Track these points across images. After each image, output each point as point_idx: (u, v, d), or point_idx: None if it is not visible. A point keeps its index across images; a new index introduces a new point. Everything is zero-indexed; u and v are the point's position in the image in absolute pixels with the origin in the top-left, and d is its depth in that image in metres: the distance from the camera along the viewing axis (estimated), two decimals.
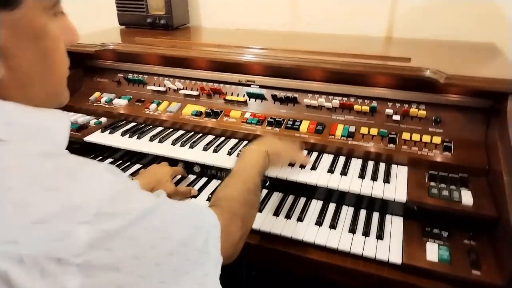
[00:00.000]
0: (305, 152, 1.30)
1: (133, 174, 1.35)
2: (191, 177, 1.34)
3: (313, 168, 1.21)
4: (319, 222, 1.10)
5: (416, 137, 1.24)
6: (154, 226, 0.54)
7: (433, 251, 0.97)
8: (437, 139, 1.22)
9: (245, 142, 1.38)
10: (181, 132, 1.47)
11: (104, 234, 0.47)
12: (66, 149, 1.44)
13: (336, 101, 1.36)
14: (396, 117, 1.30)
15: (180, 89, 1.58)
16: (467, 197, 1.04)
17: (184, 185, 1.29)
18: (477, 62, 1.40)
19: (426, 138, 1.23)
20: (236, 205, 0.83)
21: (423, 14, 1.69)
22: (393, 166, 1.22)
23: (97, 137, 1.44)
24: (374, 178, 1.16)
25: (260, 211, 1.14)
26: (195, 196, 1.22)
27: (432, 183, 1.12)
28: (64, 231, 0.44)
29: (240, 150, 1.31)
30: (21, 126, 0.51)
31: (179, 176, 1.32)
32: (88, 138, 1.44)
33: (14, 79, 0.51)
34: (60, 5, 0.57)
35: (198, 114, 1.49)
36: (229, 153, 1.31)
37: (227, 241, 0.72)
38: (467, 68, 1.29)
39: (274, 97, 1.45)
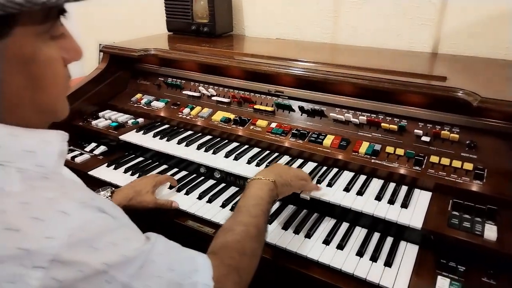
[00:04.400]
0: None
1: (160, 174, 1.41)
2: (211, 181, 1.37)
3: (329, 185, 1.18)
4: (327, 241, 1.07)
5: (445, 161, 1.17)
6: (118, 280, 0.52)
7: (443, 287, 0.90)
8: (469, 165, 1.14)
9: (267, 152, 1.39)
10: (208, 137, 1.52)
11: (57, 283, 0.46)
12: (105, 144, 1.55)
13: (363, 117, 1.32)
14: (426, 139, 1.23)
15: (213, 96, 1.63)
16: (490, 232, 0.95)
17: (199, 188, 1.32)
18: None
19: (457, 163, 1.15)
20: (235, 256, 0.78)
21: (473, 31, 1.58)
22: (416, 191, 1.15)
23: (131, 137, 1.53)
24: (391, 201, 1.10)
25: (270, 223, 1.14)
26: (210, 201, 1.25)
27: (455, 213, 1.04)
28: (16, 274, 0.45)
29: (260, 160, 1.32)
30: (6, 149, 0.51)
31: (166, 185, 1.33)
32: (123, 137, 1.54)
33: (3, 102, 0.53)
34: (58, 28, 0.56)
35: (227, 121, 1.52)
36: (249, 162, 1.32)
37: None
38: (508, 91, 1.18)
39: (301, 109, 1.44)
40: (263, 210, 0.92)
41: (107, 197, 1.17)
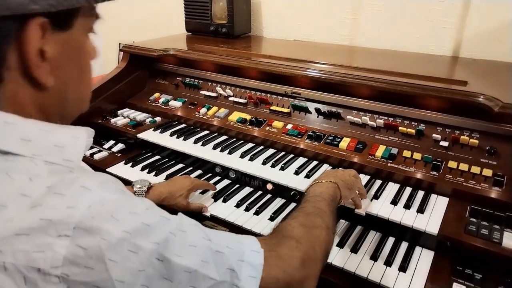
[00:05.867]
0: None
1: (175, 173, 1.44)
2: (226, 181, 1.38)
3: None
4: (341, 244, 1.06)
5: (464, 166, 1.15)
6: (144, 249, 0.51)
7: None
8: (488, 172, 1.12)
9: (283, 153, 1.39)
10: (224, 137, 1.53)
11: (83, 251, 0.48)
12: (123, 142, 1.57)
13: (380, 121, 1.31)
14: (444, 143, 1.21)
15: (230, 96, 1.64)
16: (509, 240, 0.94)
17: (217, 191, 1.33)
18: None
19: (476, 169, 1.13)
20: (287, 228, 0.74)
21: (495, 35, 1.55)
22: (433, 196, 1.13)
23: (148, 135, 1.56)
24: (407, 205, 1.09)
25: None
26: (225, 201, 1.26)
27: (473, 219, 1.02)
28: (43, 243, 0.47)
29: (275, 161, 1.33)
30: (36, 143, 0.53)
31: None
32: (140, 135, 1.56)
33: (57, 87, 0.57)
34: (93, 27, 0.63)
35: (243, 121, 1.53)
36: (264, 163, 1.32)
37: (280, 265, 0.63)
38: None
39: (318, 111, 1.44)
40: (323, 198, 0.88)
41: (143, 190, 1.15)
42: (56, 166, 0.54)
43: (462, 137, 1.19)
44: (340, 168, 1.22)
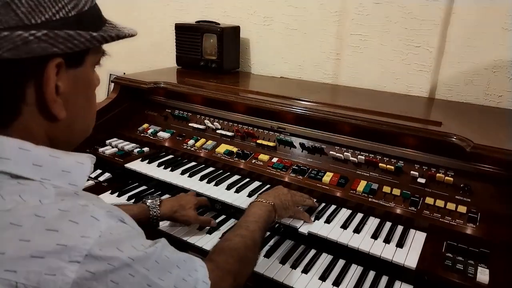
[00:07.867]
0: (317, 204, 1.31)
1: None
2: (212, 213, 1.40)
3: (327, 221, 1.22)
4: (323, 277, 1.09)
5: (440, 203, 1.20)
6: (140, 273, 0.59)
7: None
8: (462, 208, 1.17)
9: (268, 185, 1.43)
10: (211, 169, 1.56)
11: (91, 275, 0.53)
12: (110, 171, 1.58)
13: (362, 157, 1.37)
14: (422, 180, 1.27)
15: (218, 129, 1.69)
16: (483, 275, 0.98)
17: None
18: None
19: (451, 206, 1.19)
20: (230, 261, 0.87)
21: (468, 79, 1.66)
22: (411, 231, 1.18)
23: (136, 165, 1.58)
24: (387, 240, 1.13)
25: (268, 257, 1.16)
26: (210, 233, 1.28)
27: (449, 254, 1.06)
28: (56, 267, 0.51)
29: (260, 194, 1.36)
30: (46, 168, 0.59)
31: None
32: (128, 165, 1.58)
33: (67, 119, 0.63)
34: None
35: (230, 153, 1.57)
36: (249, 195, 1.36)
37: None
38: (501, 138, 1.24)
39: (302, 146, 1.50)
40: (260, 227, 1.03)
41: (156, 204, 1.23)
42: (62, 189, 0.59)
43: (438, 174, 1.25)
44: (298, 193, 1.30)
